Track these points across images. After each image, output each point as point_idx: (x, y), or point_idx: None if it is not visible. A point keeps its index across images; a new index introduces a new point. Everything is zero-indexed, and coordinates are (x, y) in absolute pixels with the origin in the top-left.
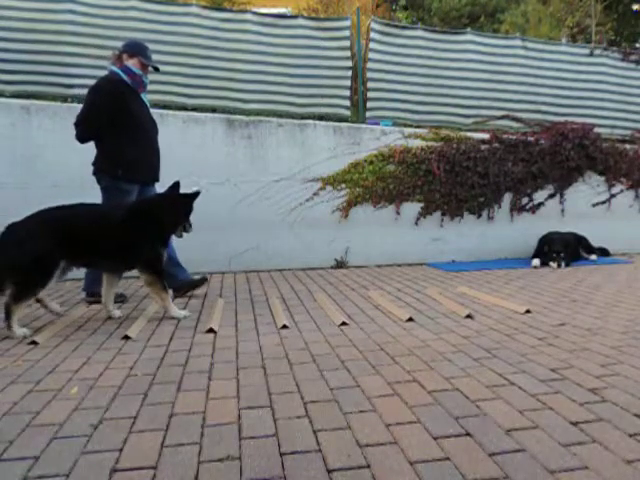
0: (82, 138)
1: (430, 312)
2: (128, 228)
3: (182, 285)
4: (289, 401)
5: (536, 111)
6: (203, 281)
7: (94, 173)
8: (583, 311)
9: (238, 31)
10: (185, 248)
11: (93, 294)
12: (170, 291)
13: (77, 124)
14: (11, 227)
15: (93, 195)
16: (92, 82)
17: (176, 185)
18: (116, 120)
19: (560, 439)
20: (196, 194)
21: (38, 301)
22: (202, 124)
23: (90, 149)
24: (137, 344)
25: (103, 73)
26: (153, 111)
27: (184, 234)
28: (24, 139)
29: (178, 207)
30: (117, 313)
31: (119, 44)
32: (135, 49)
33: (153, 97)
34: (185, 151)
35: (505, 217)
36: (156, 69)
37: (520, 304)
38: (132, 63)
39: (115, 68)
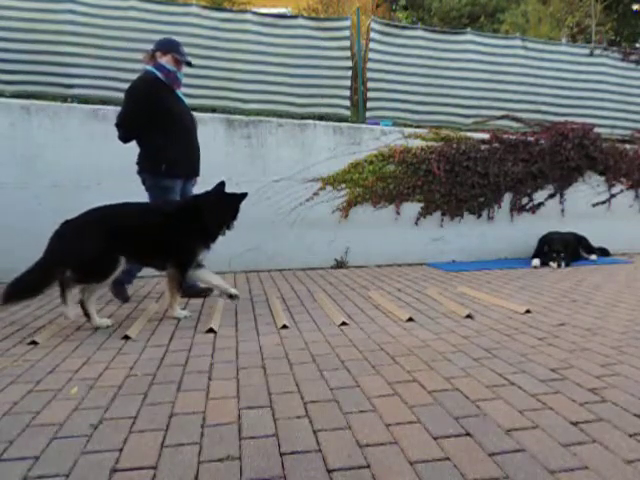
0: (124, 138)
1: (430, 312)
2: (177, 227)
3: (187, 291)
4: (289, 401)
5: (536, 111)
6: (208, 291)
7: (138, 173)
8: (583, 311)
9: (238, 31)
10: None
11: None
12: None
13: (118, 125)
14: (65, 223)
15: (93, 195)
16: (92, 82)
17: (222, 184)
18: (154, 118)
19: (560, 439)
20: (244, 195)
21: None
22: (202, 124)
23: (90, 150)
24: (137, 344)
25: (103, 73)
26: None
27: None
28: (24, 139)
29: (226, 208)
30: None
31: (119, 44)
32: (167, 46)
33: None
34: None
35: (505, 217)
36: (189, 64)
37: (520, 304)
38: (166, 60)
39: (149, 67)
